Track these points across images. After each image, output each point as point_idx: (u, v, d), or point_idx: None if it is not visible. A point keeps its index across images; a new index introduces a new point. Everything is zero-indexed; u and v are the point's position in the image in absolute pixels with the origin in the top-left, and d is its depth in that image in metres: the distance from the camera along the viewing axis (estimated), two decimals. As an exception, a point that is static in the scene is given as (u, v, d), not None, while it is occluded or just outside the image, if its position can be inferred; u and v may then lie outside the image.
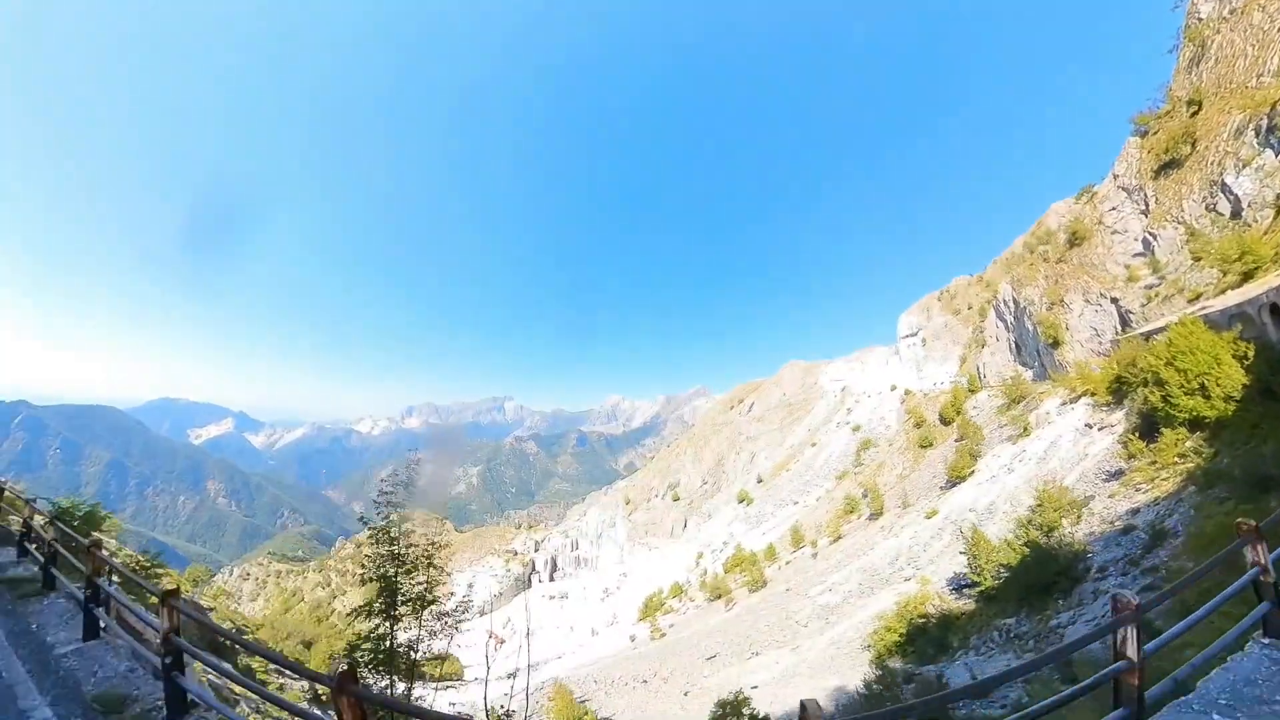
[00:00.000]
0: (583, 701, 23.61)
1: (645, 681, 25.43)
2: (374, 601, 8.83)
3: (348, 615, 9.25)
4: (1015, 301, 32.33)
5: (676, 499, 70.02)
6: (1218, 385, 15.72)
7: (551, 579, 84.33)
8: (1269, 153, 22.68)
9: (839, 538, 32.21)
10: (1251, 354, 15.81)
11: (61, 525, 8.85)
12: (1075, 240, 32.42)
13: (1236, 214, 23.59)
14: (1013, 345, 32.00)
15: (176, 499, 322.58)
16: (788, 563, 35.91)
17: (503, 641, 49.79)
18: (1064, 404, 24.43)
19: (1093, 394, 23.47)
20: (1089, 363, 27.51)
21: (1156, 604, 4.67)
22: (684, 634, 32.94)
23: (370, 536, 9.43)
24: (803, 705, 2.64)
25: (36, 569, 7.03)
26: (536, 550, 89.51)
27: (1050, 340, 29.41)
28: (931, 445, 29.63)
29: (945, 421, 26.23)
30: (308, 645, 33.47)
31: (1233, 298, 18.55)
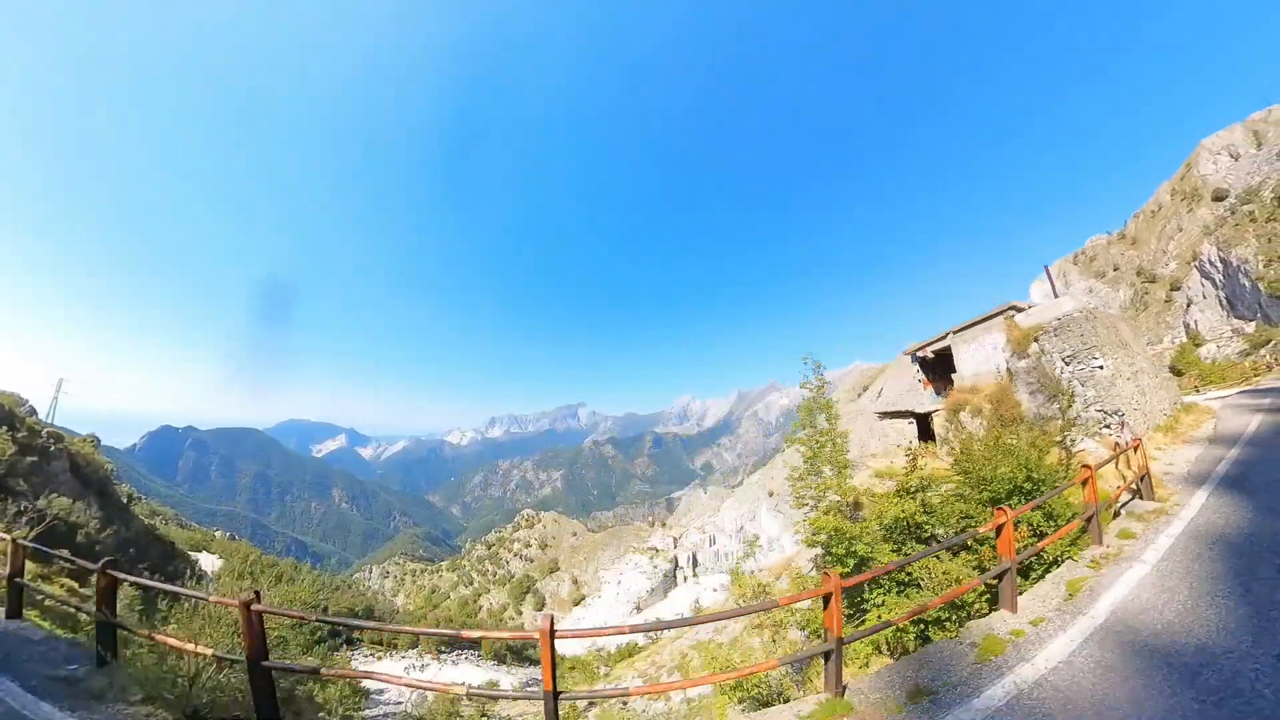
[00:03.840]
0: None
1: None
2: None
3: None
4: (1223, 260, 34.11)
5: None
6: None
7: (694, 574, 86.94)
8: None
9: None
10: None
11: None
12: (1285, 196, 33.77)
13: None
14: (1224, 301, 33.70)
15: (309, 505, 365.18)
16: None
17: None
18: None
19: None
20: None
21: None
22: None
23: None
24: None
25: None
26: (676, 547, 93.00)
27: (1276, 294, 31.23)
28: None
29: (1177, 373, 27.23)
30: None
31: None
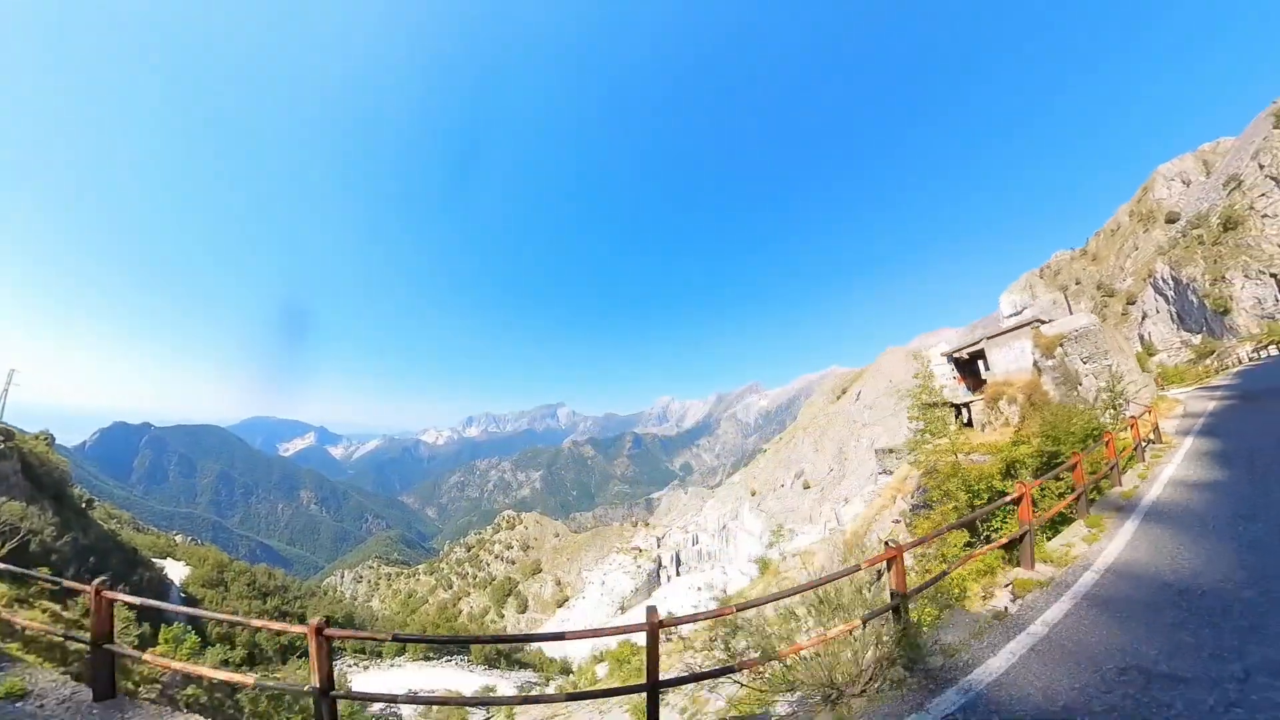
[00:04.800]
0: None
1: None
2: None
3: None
4: (1175, 278, 37.12)
5: (807, 487, 75.24)
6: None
7: (677, 573, 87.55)
8: None
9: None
10: None
11: None
12: (1229, 225, 36.93)
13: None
14: (1174, 315, 36.75)
15: (276, 506, 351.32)
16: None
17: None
18: (1255, 350, 29.54)
19: (1276, 342, 28.93)
20: (1262, 324, 32.24)
21: None
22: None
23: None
24: None
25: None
26: (659, 546, 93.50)
27: (1220, 310, 34.42)
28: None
29: (1136, 379, 30.28)
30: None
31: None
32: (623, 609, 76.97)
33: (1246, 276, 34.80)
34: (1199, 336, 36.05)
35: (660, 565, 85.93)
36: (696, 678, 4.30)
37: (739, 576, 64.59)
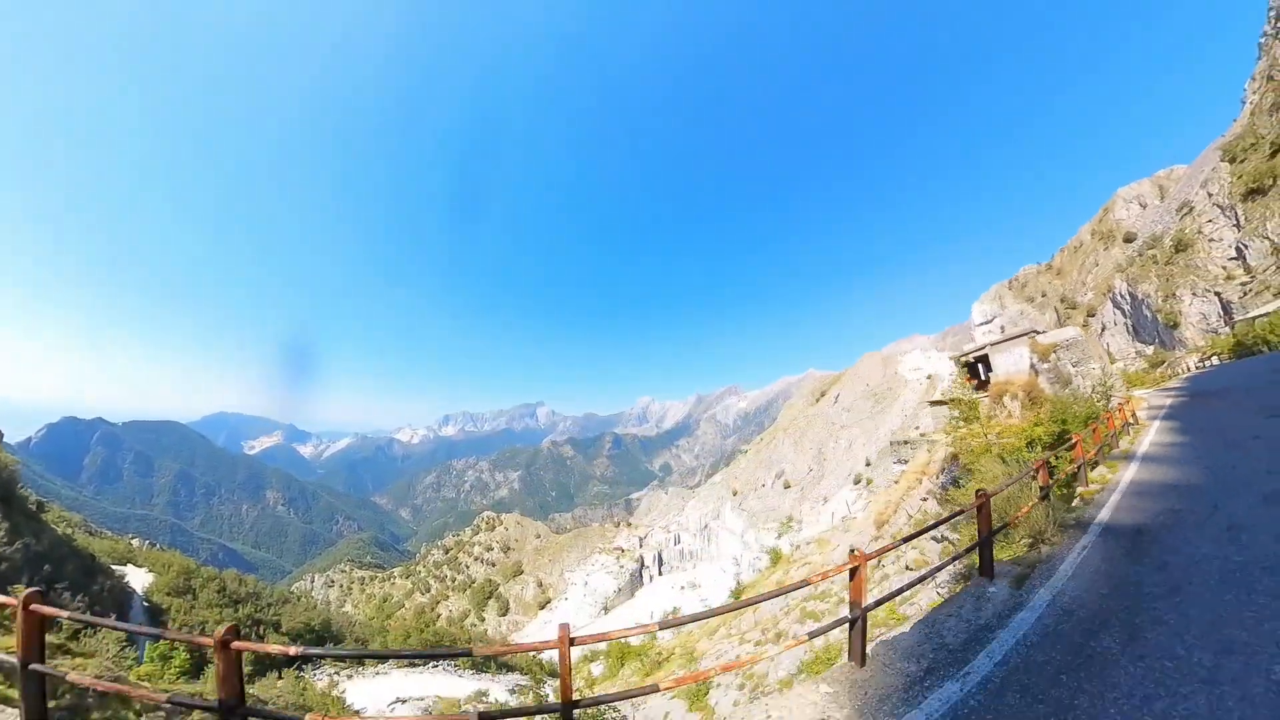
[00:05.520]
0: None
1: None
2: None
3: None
4: (1131, 294, 40.48)
5: (788, 486, 77.33)
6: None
7: (660, 573, 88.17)
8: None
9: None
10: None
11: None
12: (1180, 247, 40.46)
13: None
14: (1130, 328, 40.12)
15: (240, 508, 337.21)
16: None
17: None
18: (1201, 360, 32.56)
19: (1219, 354, 32.34)
20: (1207, 337, 35.79)
21: None
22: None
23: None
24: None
25: None
26: (642, 546, 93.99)
27: (1171, 324, 37.84)
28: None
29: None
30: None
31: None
32: (606, 609, 77.27)
33: (1194, 294, 38.11)
34: (1152, 347, 39.31)
35: (643, 565, 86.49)
36: (984, 542, 6.50)
37: (744, 571, 65.76)
